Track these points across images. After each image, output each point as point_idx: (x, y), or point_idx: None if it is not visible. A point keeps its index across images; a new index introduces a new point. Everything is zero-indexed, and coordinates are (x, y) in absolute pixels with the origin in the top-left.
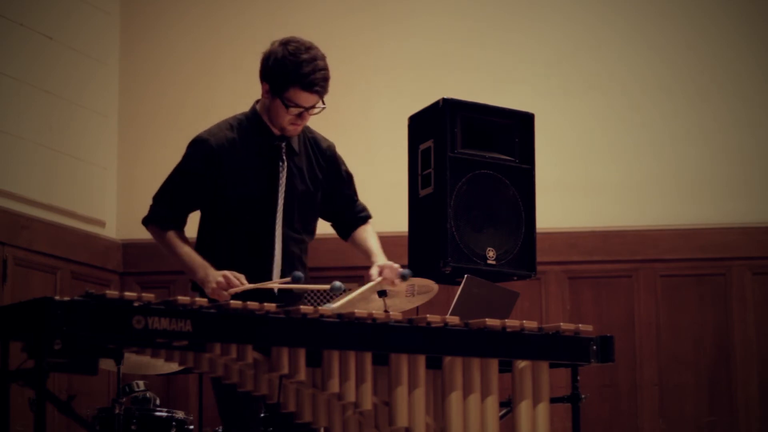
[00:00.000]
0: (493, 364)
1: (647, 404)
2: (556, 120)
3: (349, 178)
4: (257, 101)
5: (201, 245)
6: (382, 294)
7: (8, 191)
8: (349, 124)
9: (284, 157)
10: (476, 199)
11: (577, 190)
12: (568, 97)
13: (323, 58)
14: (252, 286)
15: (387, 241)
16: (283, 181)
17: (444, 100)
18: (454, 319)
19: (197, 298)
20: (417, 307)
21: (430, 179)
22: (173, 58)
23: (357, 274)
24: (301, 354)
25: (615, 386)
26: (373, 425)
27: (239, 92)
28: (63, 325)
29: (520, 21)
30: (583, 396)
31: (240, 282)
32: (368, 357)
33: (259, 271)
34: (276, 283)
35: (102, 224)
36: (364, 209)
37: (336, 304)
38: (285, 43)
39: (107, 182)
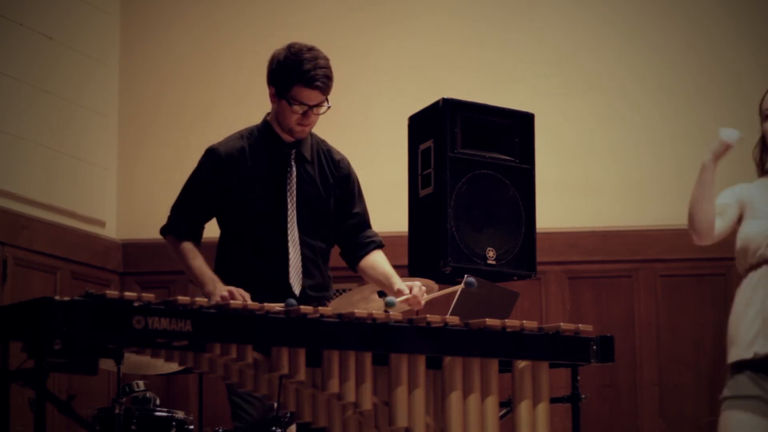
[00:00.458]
0: (493, 364)
1: (647, 404)
2: (556, 120)
3: (361, 198)
4: (268, 113)
5: (219, 253)
6: (382, 294)
7: (8, 191)
8: (349, 124)
9: (293, 163)
10: (476, 199)
11: (577, 190)
12: (568, 97)
13: (325, 58)
14: (253, 304)
15: (387, 241)
16: (292, 186)
17: (444, 100)
18: (454, 319)
19: (197, 298)
20: None
21: (430, 179)
22: (173, 58)
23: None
24: (301, 354)
25: (615, 386)
26: (373, 425)
27: (239, 92)
28: (63, 325)
29: (520, 21)
30: (583, 396)
31: (243, 299)
32: (368, 357)
33: (274, 275)
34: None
35: (102, 224)
36: (376, 235)
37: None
38: (288, 46)
39: (107, 182)
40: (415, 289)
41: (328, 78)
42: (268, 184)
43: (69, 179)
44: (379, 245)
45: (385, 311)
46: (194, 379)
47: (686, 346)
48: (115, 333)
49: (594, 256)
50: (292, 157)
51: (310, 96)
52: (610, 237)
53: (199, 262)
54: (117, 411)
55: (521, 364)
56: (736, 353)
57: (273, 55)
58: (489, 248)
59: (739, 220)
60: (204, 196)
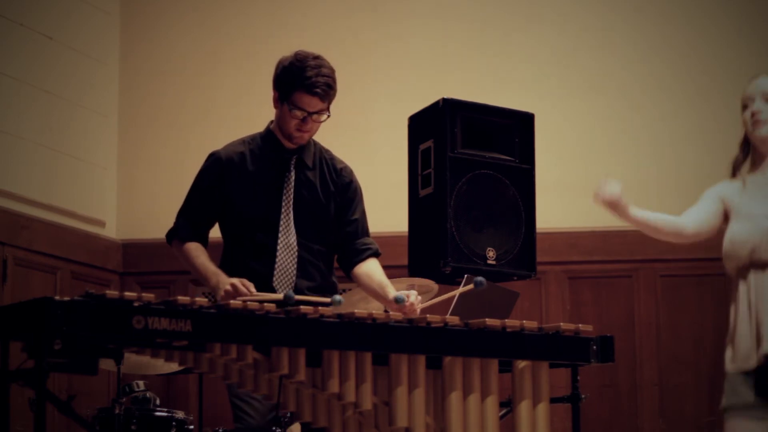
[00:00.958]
0: (493, 364)
1: (647, 404)
2: (556, 120)
3: (361, 206)
4: (271, 121)
5: (222, 256)
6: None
7: (8, 191)
8: (349, 125)
9: (292, 168)
10: (476, 199)
11: (577, 190)
12: (568, 97)
13: (330, 68)
14: (260, 295)
15: (387, 241)
16: (289, 190)
17: (444, 100)
18: (454, 319)
19: (197, 298)
20: None
21: (430, 179)
22: (173, 58)
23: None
24: (301, 354)
25: (615, 386)
26: (373, 425)
27: (239, 92)
28: (63, 325)
29: (519, 21)
30: (583, 396)
31: (248, 290)
32: (368, 357)
33: (265, 278)
34: (274, 296)
35: (102, 224)
36: (373, 243)
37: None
38: (295, 53)
39: (107, 182)
40: (411, 298)
41: (330, 87)
42: (266, 188)
43: (69, 179)
44: (375, 253)
45: (385, 311)
46: (194, 379)
47: (686, 346)
48: (115, 333)
49: (594, 256)
50: (293, 162)
51: (310, 102)
52: (610, 237)
53: (202, 259)
54: (117, 411)
55: (521, 364)
56: (735, 365)
57: (279, 60)
58: (489, 248)
59: (725, 218)
60: (206, 201)
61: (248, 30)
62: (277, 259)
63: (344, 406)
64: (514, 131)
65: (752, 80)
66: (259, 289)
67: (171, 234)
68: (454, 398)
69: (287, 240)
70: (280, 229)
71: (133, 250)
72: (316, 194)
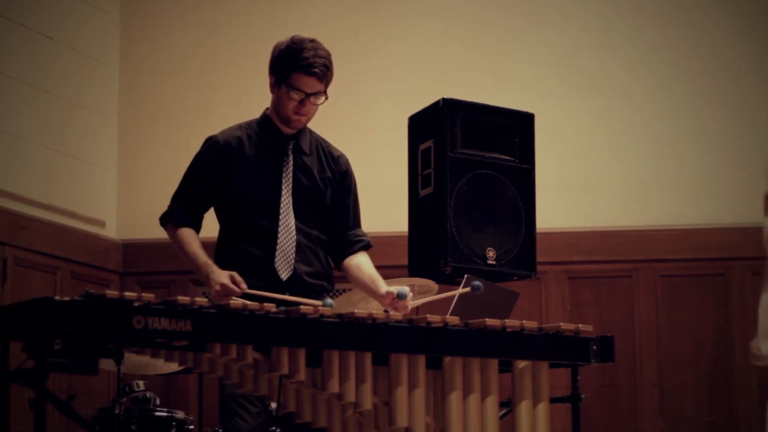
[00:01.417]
0: (493, 364)
1: (647, 404)
2: (556, 120)
3: (355, 197)
4: (267, 108)
5: (218, 243)
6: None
7: (8, 191)
8: (349, 124)
9: (290, 153)
10: (476, 199)
11: (577, 190)
12: (568, 97)
13: (326, 50)
14: (252, 292)
15: (387, 241)
16: (288, 174)
17: (444, 100)
18: (454, 319)
19: (197, 298)
20: (417, 307)
21: (430, 179)
22: (173, 58)
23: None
24: (301, 354)
25: (615, 386)
26: (373, 425)
27: (239, 92)
28: (63, 325)
29: (520, 21)
30: (583, 396)
31: (239, 287)
32: (368, 357)
33: (264, 261)
34: (275, 295)
35: (102, 224)
36: (365, 235)
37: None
38: (291, 37)
39: (107, 182)
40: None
41: (327, 68)
42: (264, 172)
43: (69, 179)
44: (367, 246)
45: (386, 311)
46: (194, 379)
47: (686, 346)
48: (115, 333)
49: (594, 256)
50: (290, 147)
51: (309, 83)
52: (610, 237)
53: (193, 248)
54: (117, 411)
55: (521, 364)
56: None
57: (275, 45)
58: (489, 248)
59: None
60: (202, 184)
61: (248, 30)
62: (278, 242)
63: (344, 406)
64: (514, 131)
65: None
66: (257, 274)
67: (165, 217)
68: (454, 398)
69: (287, 223)
70: (281, 212)
71: (133, 250)
72: (313, 180)
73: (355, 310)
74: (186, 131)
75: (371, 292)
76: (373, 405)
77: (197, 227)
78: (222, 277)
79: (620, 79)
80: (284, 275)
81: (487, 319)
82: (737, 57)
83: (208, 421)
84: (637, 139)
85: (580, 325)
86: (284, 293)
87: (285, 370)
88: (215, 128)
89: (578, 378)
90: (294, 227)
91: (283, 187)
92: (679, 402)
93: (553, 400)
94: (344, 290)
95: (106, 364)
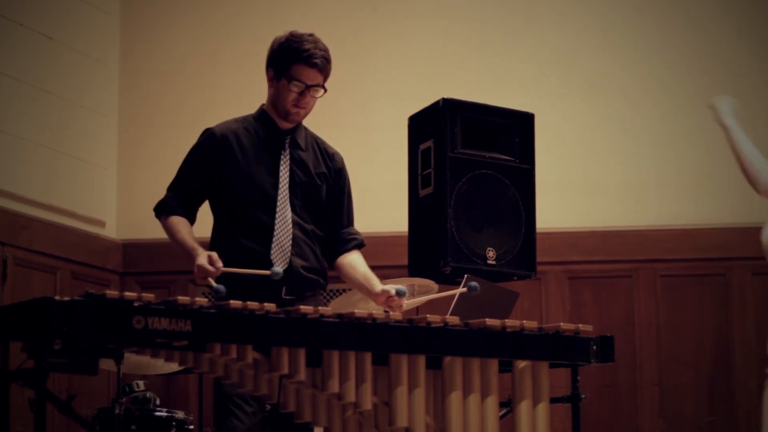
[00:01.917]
0: (493, 364)
1: (647, 404)
2: (556, 120)
3: (349, 195)
4: (264, 103)
5: (212, 236)
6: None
7: (8, 191)
8: (349, 124)
9: (287, 147)
10: (476, 199)
11: (577, 190)
12: (568, 97)
13: (324, 44)
14: (230, 270)
15: (387, 241)
16: (285, 168)
17: (444, 100)
18: (454, 319)
19: (197, 298)
20: (417, 307)
21: (430, 179)
22: (173, 58)
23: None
24: (301, 354)
25: (615, 386)
26: (373, 425)
27: (239, 92)
28: (63, 325)
29: (520, 21)
30: (583, 396)
31: (215, 266)
32: (368, 357)
33: (260, 254)
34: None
35: (102, 224)
36: (359, 234)
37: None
38: (289, 32)
39: (107, 182)
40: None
41: (327, 60)
42: (261, 165)
43: (69, 179)
44: (360, 245)
45: (385, 311)
46: (194, 379)
47: (686, 346)
48: (115, 333)
49: (594, 256)
50: (287, 141)
51: (309, 75)
52: (610, 237)
53: (182, 234)
54: (117, 411)
55: (521, 364)
56: None
57: (274, 39)
58: (489, 248)
59: None
60: (198, 176)
61: (248, 30)
62: (274, 235)
63: (344, 406)
64: (514, 131)
65: None
66: (253, 266)
67: (159, 206)
68: (454, 398)
69: (284, 216)
70: (278, 205)
71: (133, 250)
72: (310, 175)
73: (355, 310)
74: (186, 131)
75: (365, 290)
76: (373, 405)
77: (191, 218)
78: (200, 258)
79: (620, 79)
80: (281, 267)
81: (487, 319)
82: (737, 57)
83: (208, 421)
84: (637, 139)
85: (580, 325)
86: (281, 287)
87: (285, 370)
88: None
89: (578, 378)
90: (290, 221)
91: (280, 180)
92: (679, 402)
93: (553, 400)
94: (344, 290)
95: (106, 364)
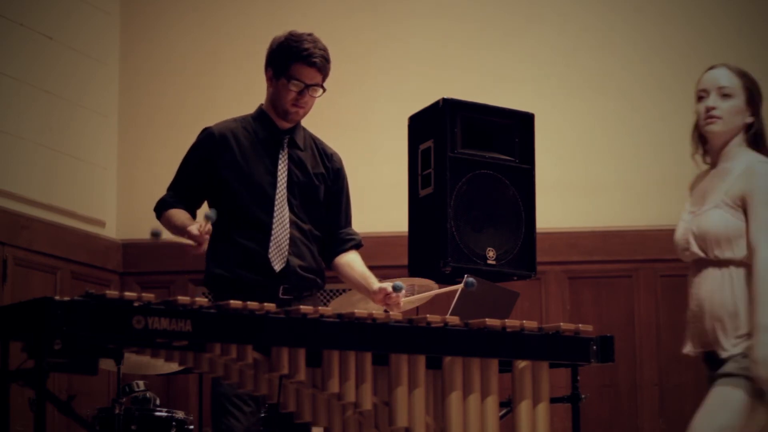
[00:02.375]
0: (493, 364)
1: (647, 404)
2: (556, 120)
3: (347, 196)
4: (262, 103)
5: (212, 236)
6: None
7: (8, 191)
8: (349, 124)
9: (285, 147)
10: (476, 199)
11: (577, 190)
12: (568, 97)
13: (324, 44)
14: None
15: (387, 241)
16: (283, 167)
17: (444, 100)
18: (454, 319)
19: (197, 298)
20: (417, 307)
21: (430, 179)
22: (173, 58)
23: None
24: (301, 354)
25: (615, 386)
26: (373, 425)
27: (239, 92)
28: (63, 325)
29: (520, 21)
30: (583, 396)
31: (202, 234)
32: (368, 357)
33: (258, 252)
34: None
35: (102, 224)
36: (357, 234)
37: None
38: (288, 32)
39: (107, 182)
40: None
41: (326, 59)
42: (259, 164)
43: (69, 179)
44: (358, 245)
45: (385, 311)
46: (194, 379)
47: None
48: (115, 333)
49: (594, 256)
50: (285, 141)
51: (308, 74)
52: (610, 237)
53: (182, 219)
54: (117, 411)
55: (521, 364)
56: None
57: (273, 39)
58: (489, 248)
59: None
60: (197, 175)
61: (248, 30)
62: (272, 234)
63: (344, 406)
64: (514, 131)
65: (708, 71)
66: (251, 265)
67: (159, 204)
68: (454, 398)
69: (281, 215)
70: (276, 204)
71: (133, 250)
72: (308, 174)
73: (355, 310)
74: (186, 131)
75: (363, 289)
76: (373, 405)
77: (185, 209)
78: (192, 228)
79: (620, 79)
80: (278, 266)
81: (487, 319)
82: (737, 57)
83: (208, 421)
84: (637, 139)
85: (580, 325)
86: (278, 287)
87: (285, 370)
88: None
89: (578, 378)
90: (288, 220)
91: (278, 180)
92: (679, 402)
93: (553, 400)
94: (344, 290)
95: (106, 364)
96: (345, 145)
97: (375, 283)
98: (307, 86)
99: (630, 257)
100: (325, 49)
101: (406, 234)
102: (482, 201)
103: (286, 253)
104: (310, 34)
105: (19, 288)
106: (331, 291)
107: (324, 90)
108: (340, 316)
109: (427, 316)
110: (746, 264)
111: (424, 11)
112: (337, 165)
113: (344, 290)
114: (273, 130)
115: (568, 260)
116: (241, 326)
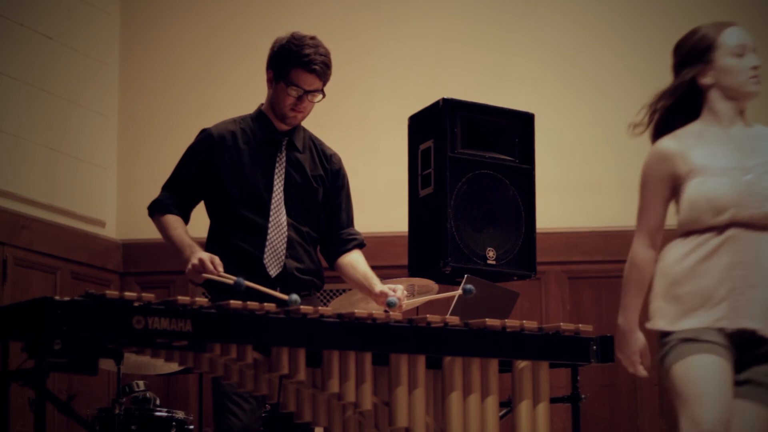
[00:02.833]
0: (493, 364)
1: (647, 404)
2: (556, 120)
3: (348, 196)
4: (262, 104)
5: (209, 238)
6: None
7: (8, 191)
8: (349, 124)
9: (284, 149)
10: (476, 199)
11: (577, 190)
12: (568, 96)
13: (326, 48)
14: (224, 276)
15: (387, 241)
16: (281, 170)
17: (444, 100)
18: (454, 319)
19: (197, 298)
20: (417, 307)
21: (430, 179)
22: (173, 58)
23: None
24: (301, 354)
25: (615, 386)
26: (373, 425)
27: (239, 92)
28: (63, 325)
29: (520, 21)
30: (583, 396)
31: (215, 269)
32: (368, 357)
33: (253, 256)
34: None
35: (102, 224)
36: (359, 234)
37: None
38: (291, 33)
39: (107, 182)
40: (399, 293)
41: (327, 66)
42: (257, 167)
43: (69, 179)
44: (361, 245)
45: (386, 311)
46: (194, 379)
47: None
48: (115, 333)
49: (594, 256)
50: (284, 143)
51: (308, 80)
52: (610, 237)
53: (179, 232)
54: (117, 411)
55: (521, 364)
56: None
57: (276, 40)
58: (489, 248)
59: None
60: (193, 177)
61: (248, 30)
62: (267, 238)
63: (344, 406)
64: (514, 131)
65: (735, 27)
66: (247, 269)
67: (153, 205)
68: (454, 398)
69: (278, 219)
70: (272, 207)
71: (133, 250)
72: (306, 177)
73: (355, 310)
74: (186, 131)
75: (365, 290)
76: (373, 405)
77: (185, 218)
78: (203, 254)
79: (621, 78)
80: (273, 272)
81: (487, 319)
82: None
83: (208, 421)
84: (638, 139)
85: (580, 325)
86: (276, 289)
87: (285, 370)
88: None
89: (578, 378)
90: (285, 223)
91: (275, 182)
92: None
93: (553, 400)
94: (344, 290)
95: (106, 364)
96: (345, 145)
97: (377, 286)
98: (306, 92)
99: None
100: (326, 55)
101: (406, 234)
102: (482, 201)
103: (283, 256)
104: (312, 38)
105: (19, 288)
106: (331, 291)
107: (324, 95)
108: (340, 316)
109: (427, 316)
110: None
111: (424, 11)
112: (336, 166)
113: (344, 290)
114: (271, 132)
115: (568, 260)
116: (241, 326)
